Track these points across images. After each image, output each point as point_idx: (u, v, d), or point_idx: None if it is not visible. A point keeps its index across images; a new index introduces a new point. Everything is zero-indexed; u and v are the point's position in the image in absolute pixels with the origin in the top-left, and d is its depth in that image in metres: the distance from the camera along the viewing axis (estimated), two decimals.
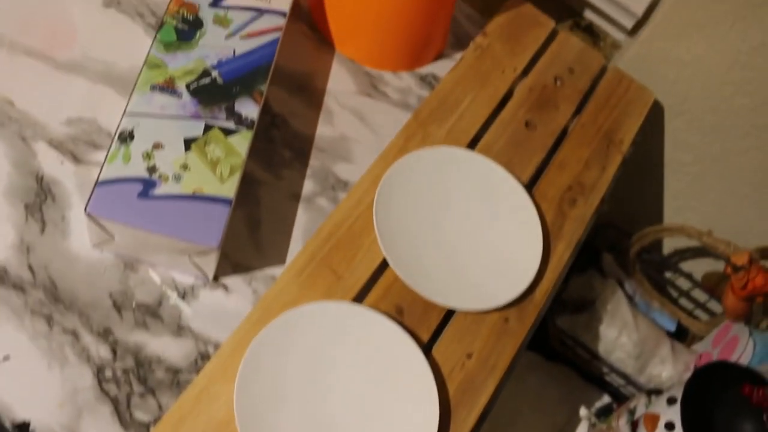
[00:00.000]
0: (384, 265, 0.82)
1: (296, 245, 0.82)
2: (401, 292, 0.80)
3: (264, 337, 0.74)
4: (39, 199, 0.77)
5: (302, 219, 0.84)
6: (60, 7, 0.87)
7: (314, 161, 0.87)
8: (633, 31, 1.03)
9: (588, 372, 1.16)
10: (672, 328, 1.16)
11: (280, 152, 0.87)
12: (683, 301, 1.24)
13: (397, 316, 0.79)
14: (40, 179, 0.78)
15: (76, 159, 0.80)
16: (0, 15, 0.85)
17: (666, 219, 1.19)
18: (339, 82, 0.93)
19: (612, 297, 1.08)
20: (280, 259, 0.81)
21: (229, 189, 0.75)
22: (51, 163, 0.79)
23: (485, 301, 0.81)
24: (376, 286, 0.81)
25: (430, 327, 0.80)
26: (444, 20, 0.93)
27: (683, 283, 1.22)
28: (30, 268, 0.74)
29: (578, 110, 0.98)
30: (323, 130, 0.89)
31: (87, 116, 0.82)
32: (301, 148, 0.87)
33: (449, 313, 0.81)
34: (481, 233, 0.86)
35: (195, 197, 0.73)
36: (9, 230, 0.75)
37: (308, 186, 0.86)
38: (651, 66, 1.03)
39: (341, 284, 0.79)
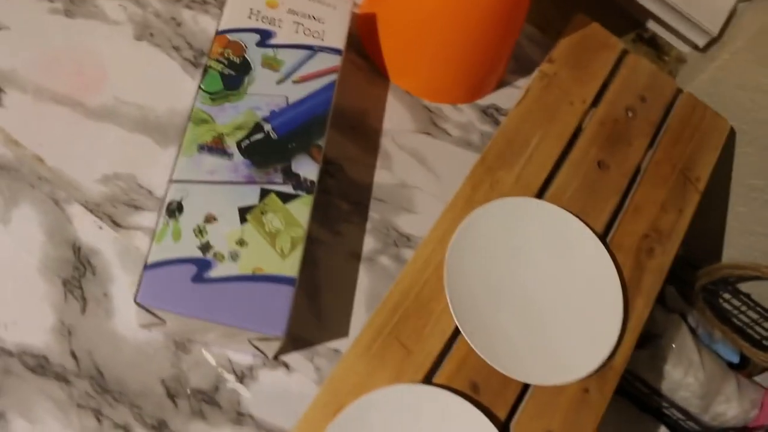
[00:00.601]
0: (456, 332, 0.75)
1: (359, 313, 0.75)
2: (476, 366, 0.74)
3: (335, 428, 0.67)
4: (78, 272, 0.69)
5: (364, 282, 0.76)
6: (87, 44, 0.78)
7: (374, 213, 0.79)
8: (704, 49, 0.95)
9: (645, 404, 1.10)
10: (735, 359, 1.10)
11: (337, 205, 0.79)
12: (747, 331, 1.18)
13: (473, 394, 0.72)
14: (77, 249, 0.70)
15: (115, 223, 0.72)
16: (23, 57, 0.76)
17: (730, 246, 1.12)
18: (395, 119, 0.85)
19: (677, 333, 1.02)
20: (343, 330, 0.74)
21: (291, 266, 0.67)
22: (88, 230, 0.71)
23: (566, 374, 0.75)
24: (449, 358, 0.74)
25: (508, 402, 0.74)
26: (509, 47, 0.85)
27: (747, 312, 1.16)
28: (73, 354, 0.67)
29: (651, 143, 0.90)
30: (381, 177, 0.81)
31: (124, 172, 0.74)
32: (359, 199, 0.79)
33: (527, 384, 0.75)
34: (558, 294, 0.79)
35: (255, 278, 0.66)
36: (47, 312, 0.67)
37: (369, 243, 0.78)
38: (726, 91, 0.95)
39: (412, 360, 0.73)
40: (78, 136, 0.74)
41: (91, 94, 0.77)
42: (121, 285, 0.70)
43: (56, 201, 0.72)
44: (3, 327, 0.66)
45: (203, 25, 0.83)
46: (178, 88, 0.79)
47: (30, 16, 0.78)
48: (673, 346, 1.01)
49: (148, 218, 0.73)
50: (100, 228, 0.72)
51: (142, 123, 0.77)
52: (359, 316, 0.75)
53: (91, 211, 0.72)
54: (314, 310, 0.74)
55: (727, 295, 1.15)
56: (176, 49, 0.81)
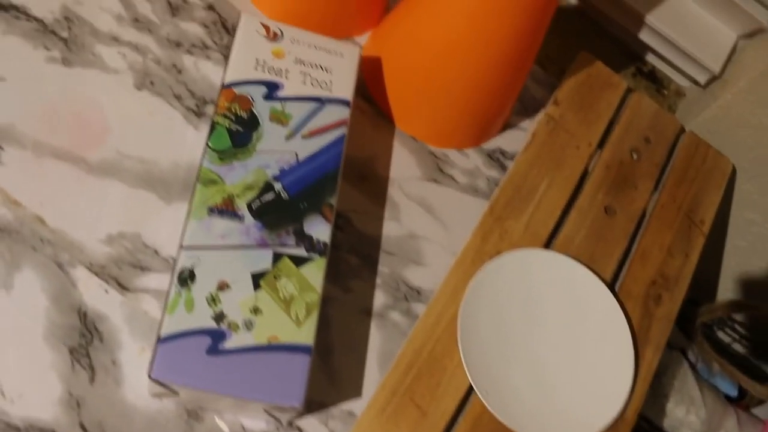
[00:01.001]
0: (470, 389, 0.74)
1: (372, 372, 0.74)
2: (490, 424, 0.73)
3: None
4: (84, 340, 0.67)
5: (376, 339, 0.75)
6: (87, 95, 0.75)
7: (383, 267, 0.78)
8: (705, 85, 0.94)
9: None
10: (734, 393, 1.10)
11: (347, 259, 0.77)
12: (744, 363, 1.19)
13: None
14: (83, 315, 0.68)
15: (121, 286, 0.70)
16: (20, 110, 0.73)
17: (729, 279, 1.12)
18: (402, 166, 0.83)
19: (678, 370, 1.02)
20: (356, 390, 0.72)
21: (307, 334, 0.66)
22: (94, 294, 0.69)
23: (579, 431, 0.74)
24: (463, 417, 0.73)
25: None
26: (518, 91, 0.84)
27: (745, 345, 1.16)
28: (83, 427, 0.65)
29: (656, 185, 0.90)
30: (390, 229, 0.80)
31: (128, 231, 0.72)
32: (368, 253, 0.78)
33: None
34: (570, 348, 0.78)
35: (270, 348, 0.64)
36: (55, 382, 0.65)
37: (379, 298, 0.77)
38: (727, 129, 0.94)
39: (427, 421, 0.72)
40: (80, 194, 0.72)
41: (93, 148, 0.74)
42: (130, 352, 0.68)
43: (60, 264, 0.69)
44: (9, 401, 0.64)
45: (204, 71, 0.80)
46: (181, 140, 0.76)
47: (26, 65, 0.75)
48: (675, 383, 1.01)
49: (155, 280, 0.71)
50: (106, 292, 0.69)
51: (146, 178, 0.74)
52: (372, 375, 0.73)
53: (96, 273, 0.70)
54: (327, 371, 0.72)
55: (725, 329, 1.16)
56: (178, 98, 0.79)
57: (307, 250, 0.68)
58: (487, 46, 0.74)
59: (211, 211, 0.67)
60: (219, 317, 0.64)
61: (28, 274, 0.68)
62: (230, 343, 0.63)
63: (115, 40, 0.79)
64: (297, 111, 0.73)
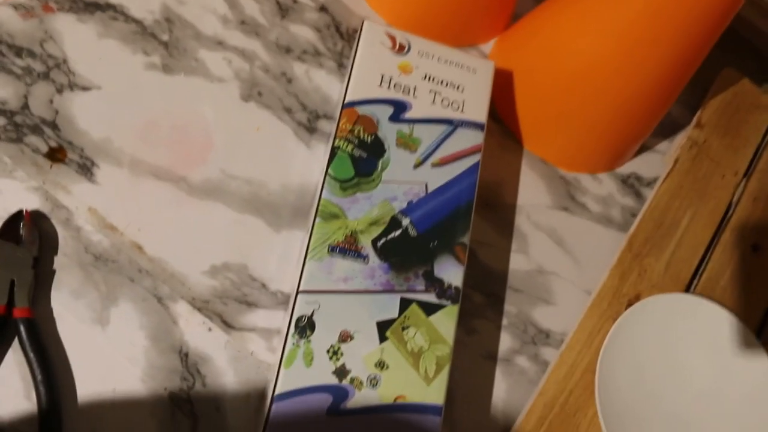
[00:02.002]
0: None
1: (496, 425, 0.66)
2: None
3: None
4: (186, 384, 0.60)
5: (501, 387, 0.67)
6: (188, 107, 0.68)
7: (509, 306, 0.70)
8: None
9: None
10: None
11: (471, 297, 0.69)
12: None
13: None
14: (184, 356, 0.61)
15: (225, 324, 0.62)
16: (117, 123, 0.66)
17: None
18: (531, 192, 0.75)
19: None
20: None
21: (438, 393, 0.58)
22: (196, 332, 0.62)
23: None
24: None
25: None
26: (662, 115, 0.74)
27: None
28: None
29: None
30: (517, 263, 0.71)
31: (234, 261, 0.64)
32: (493, 290, 0.70)
33: None
34: (716, 405, 0.69)
35: (397, 408, 0.57)
36: (154, 430, 0.58)
37: (505, 341, 0.69)
38: None
39: None
40: (181, 219, 0.64)
41: (195, 167, 0.66)
42: (235, 398, 0.61)
43: (159, 298, 0.62)
44: None
45: (317, 81, 0.72)
46: (291, 159, 0.69)
47: (124, 72, 0.68)
48: None
49: (262, 317, 0.63)
50: (210, 330, 0.62)
51: (252, 201, 0.67)
52: (497, 429, 0.65)
53: (198, 309, 0.62)
54: (449, 423, 0.65)
55: None
56: (288, 110, 0.70)
57: (438, 296, 0.60)
58: (639, 68, 0.65)
59: (332, 250, 0.59)
60: (341, 372, 0.56)
61: (126, 309, 0.61)
62: (353, 402, 0.56)
63: (220, 44, 0.71)
64: (426, 135, 0.65)
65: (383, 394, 0.57)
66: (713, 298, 0.72)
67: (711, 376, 0.70)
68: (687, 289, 0.73)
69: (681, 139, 0.80)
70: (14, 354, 0.57)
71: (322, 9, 0.76)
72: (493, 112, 0.78)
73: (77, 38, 0.68)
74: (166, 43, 0.70)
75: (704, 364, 0.70)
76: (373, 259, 0.60)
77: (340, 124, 0.63)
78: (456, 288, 0.61)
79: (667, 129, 0.83)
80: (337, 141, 0.62)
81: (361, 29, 0.67)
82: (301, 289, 0.58)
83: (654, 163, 0.81)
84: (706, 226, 0.76)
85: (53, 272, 0.61)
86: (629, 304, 0.70)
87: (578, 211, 0.76)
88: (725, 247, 0.76)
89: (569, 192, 0.77)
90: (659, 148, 0.82)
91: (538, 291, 0.71)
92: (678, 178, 0.77)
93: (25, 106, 0.65)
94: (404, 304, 0.59)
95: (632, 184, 0.79)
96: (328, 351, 0.57)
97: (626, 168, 0.80)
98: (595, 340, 0.68)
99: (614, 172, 0.79)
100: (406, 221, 0.62)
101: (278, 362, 0.56)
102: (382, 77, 0.66)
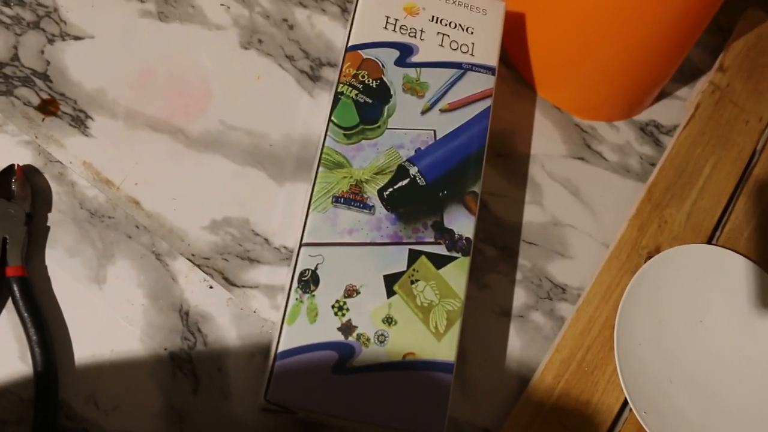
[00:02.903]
0: (625, 408, 0.63)
1: (511, 384, 0.64)
2: None
3: None
4: (187, 344, 0.58)
5: (515, 345, 0.64)
6: (185, 55, 0.65)
7: (523, 260, 0.67)
8: None
9: None
10: None
11: (483, 251, 0.66)
12: None
13: None
14: (184, 315, 0.58)
15: (227, 281, 0.60)
16: (111, 73, 0.63)
17: None
18: (545, 141, 0.71)
19: None
20: (493, 405, 0.62)
21: (449, 349, 0.55)
22: (196, 290, 0.59)
23: None
24: None
25: None
26: (683, 57, 0.70)
27: None
28: None
29: None
30: (531, 214, 0.68)
31: (235, 216, 0.61)
32: (506, 243, 0.67)
33: None
34: (743, 365, 0.66)
35: (406, 365, 0.54)
36: (154, 393, 0.56)
37: (519, 296, 0.66)
38: None
39: None
40: (179, 172, 0.62)
41: (193, 117, 0.63)
42: (238, 358, 0.59)
43: (158, 255, 0.59)
44: (103, 413, 0.55)
45: (320, 27, 0.69)
46: (294, 108, 0.65)
47: (118, 20, 0.65)
48: None
49: (265, 273, 0.61)
50: (211, 287, 0.60)
51: (254, 153, 0.64)
52: (511, 388, 0.63)
53: (199, 266, 0.60)
54: (461, 382, 0.62)
55: None
56: (289, 58, 0.67)
57: (448, 248, 0.57)
58: (655, 8, 0.61)
59: (337, 200, 0.56)
60: (347, 329, 0.54)
61: (123, 266, 0.59)
62: (359, 360, 0.53)
63: None
64: (434, 79, 0.62)
65: (391, 350, 0.54)
66: (737, 250, 0.69)
67: (735, 332, 0.67)
68: (709, 241, 0.70)
69: (702, 84, 0.76)
70: (8, 314, 0.55)
71: None
72: (506, 58, 0.74)
73: None
74: None
75: (728, 319, 0.67)
76: (380, 210, 0.57)
77: (344, 69, 0.60)
78: (467, 239, 0.58)
79: (688, 74, 0.79)
80: (340, 87, 0.59)
81: None
82: (304, 241, 0.55)
83: (674, 110, 0.77)
84: (729, 175, 0.72)
85: (47, 229, 0.58)
86: (649, 257, 0.67)
87: (594, 160, 0.73)
88: (749, 197, 0.72)
89: (585, 141, 0.73)
90: (680, 94, 0.78)
91: (553, 244, 0.68)
92: (699, 124, 0.73)
93: (15, 58, 0.62)
94: (413, 257, 0.57)
95: (651, 132, 0.76)
96: (333, 306, 0.54)
97: (645, 115, 0.76)
98: (613, 295, 0.65)
99: (632, 119, 0.76)
100: (413, 170, 0.59)
101: (281, 319, 0.53)
102: (387, 19, 0.62)
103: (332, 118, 0.59)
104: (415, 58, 0.62)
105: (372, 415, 0.53)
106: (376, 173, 0.58)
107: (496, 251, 0.67)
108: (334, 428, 0.58)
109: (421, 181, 0.59)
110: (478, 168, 0.60)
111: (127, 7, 0.65)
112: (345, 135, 0.58)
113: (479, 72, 0.63)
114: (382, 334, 0.54)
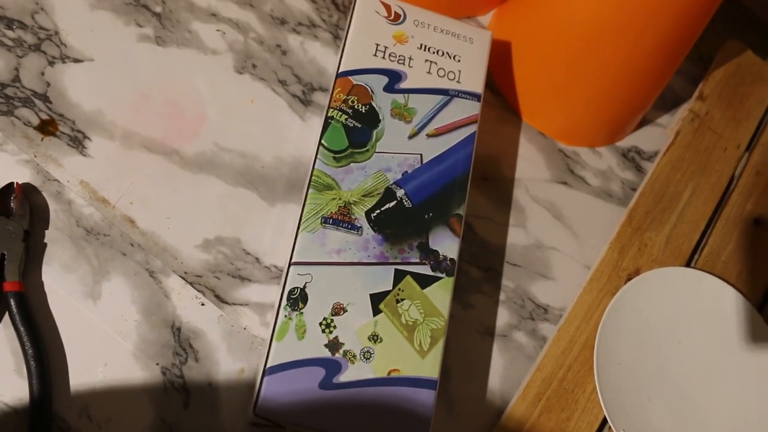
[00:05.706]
0: (603, 423, 0.65)
1: (494, 401, 0.65)
2: None
3: None
4: (179, 359, 0.59)
5: (499, 363, 0.66)
6: (181, 79, 0.67)
7: (507, 281, 0.69)
8: None
9: None
10: None
11: (467, 271, 0.68)
12: None
13: None
14: (176, 331, 0.60)
15: (218, 298, 0.62)
16: (109, 95, 0.65)
17: None
18: (529, 166, 0.74)
19: None
20: (476, 422, 0.64)
21: (432, 366, 0.57)
22: (188, 307, 0.61)
23: None
24: None
25: None
26: (664, 84, 0.73)
27: None
28: None
29: None
30: (515, 237, 0.70)
31: (227, 235, 0.63)
32: (490, 265, 0.69)
33: None
34: (719, 382, 0.68)
35: (391, 381, 0.56)
36: (146, 407, 0.58)
37: (502, 316, 0.68)
38: None
39: None
40: (174, 192, 0.64)
41: (188, 139, 0.65)
42: (228, 373, 0.60)
43: (151, 272, 0.61)
44: (96, 425, 0.56)
45: (312, 53, 0.71)
46: (286, 131, 0.68)
47: (117, 44, 0.67)
48: None
49: (256, 292, 0.62)
50: (202, 305, 0.61)
51: (246, 174, 0.66)
52: (493, 405, 0.65)
53: (191, 283, 0.62)
54: (445, 399, 0.64)
55: None
56: (282, 83, 0.69)
57: (433, 269, 0.59)
58: (643, 31, 0.64)
59: (325, 221, 0.58)
60: (333, 345, 0.55)
61: (117, 283, 0.60)
62: (346, 375, 0.55)
63: (214, 16, 0.70)
64: (422, 105, 0.64)
65: (377, 367, 0.56)
66: (715, 273, 0.71)
67: (712, 352, 0.69)
68: (688, 264, 0.72)
69: (683, 111, 0.79)
70: (4, 328, 0.57)
71: None
72: (492, 85, 0.76)
73: (69, 9, 0.67)
74: (159, 14, 0.69)
75: (705, 340, 0.69)
76: (367, 231, 0.59)
77: (334, 94, 0.62)
78: (451, 260, 0.60)
79: (669, 102, 0.82)
80: (330, 111, 0.62)
81: None
82: (293, 260, 0.57)
83: (655, 137, 0.79)
84: (708, 200, 0.74)
85: (44, 246, 0.60)
86: (628, 279, 0.69)
87: (577, 185, 0.75)
88: (727, 222, 0.74)
89: (568, 166, 0.75)
90: (661, 122, 0.81)
91: (536, 265, 0.70)
92: (679, 150, 0.75)
93: (16, 79, 0.64)
94: (398, 276, 0.58)
95: (633, 158, 0.78)
96: (320, 324, 0.56)
97: (626, 142, 0.79)
98: (594, 316, 0.67)
99: (614, 145, 0.78)
100: (400, 192, 0.61)
101: (270, 335, 0.55)
102: (377, 46, 0.65)
103: (322, 141, 0.61)
104: (403, 85, 0.64)
105: (357, 430, 0.54)
106: (364, 195, 0.60)
107: (481, 272, 0.69)
108: None
109: (407, 204, 0.61)
110: (463, 191, 0.62)
111: (126, 31, 0.67)
112: (334, 158, 0.60)
113: (465, 98, 0.65)
114: (367, 351, 0.56)
